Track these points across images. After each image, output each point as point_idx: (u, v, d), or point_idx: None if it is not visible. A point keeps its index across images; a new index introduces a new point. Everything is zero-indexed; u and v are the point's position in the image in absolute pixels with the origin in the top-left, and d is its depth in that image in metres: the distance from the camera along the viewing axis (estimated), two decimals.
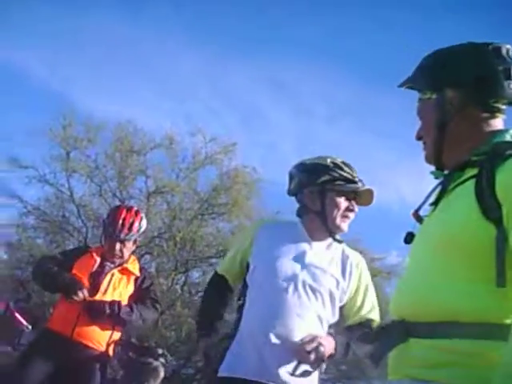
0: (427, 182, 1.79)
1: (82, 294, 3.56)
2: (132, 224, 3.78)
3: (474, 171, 1.55)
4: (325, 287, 2.50)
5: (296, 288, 2.46)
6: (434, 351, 1.45)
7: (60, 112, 14.50)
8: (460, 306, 1.44)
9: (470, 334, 1.41)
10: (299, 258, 2.53)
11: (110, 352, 3.70)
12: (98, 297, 3.64)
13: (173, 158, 14.55)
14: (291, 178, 2.67)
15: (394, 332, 1.58)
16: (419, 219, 1.77)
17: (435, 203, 1.68)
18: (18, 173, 14.67)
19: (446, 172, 1.71)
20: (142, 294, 3.82)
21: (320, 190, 2.54)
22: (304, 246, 2.57)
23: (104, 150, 14.58)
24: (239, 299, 2.62)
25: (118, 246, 3.76)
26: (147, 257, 12.92)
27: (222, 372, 2.45)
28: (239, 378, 2.40)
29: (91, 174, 14.49)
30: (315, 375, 2.43)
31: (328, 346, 2.35)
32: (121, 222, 3.76)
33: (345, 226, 2.57)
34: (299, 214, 2.66)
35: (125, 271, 3.83)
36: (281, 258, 2.53)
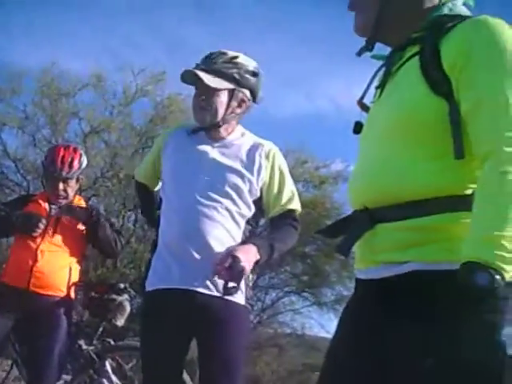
0: (361, 87, 1.76)
1: (43, 225, 3.50)
2: (72, 161, 3.68)
3: (416, 48, 1.52)
4: (230, 184, 2.47)
5: (203, 191, 2.45)
6: (403, 232, 1.45)
7: None
8: (423, 184, 1.43)
9: (436, 209, 1.40)
10: (202, 161, 2.52)
11: (72, 295, 3.64)
12: (46, 240, 3.56)
13: (103, 96, 14.12)
14: None
15: (358, 221, 1.57)
16: (365, 107, 1.75)
17: (380, 87, 1.65)
18: None
19: (386, 53, 1.67)
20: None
21: None
22: (205, 147, 2.55)
23: (31, 99, 14.09)
24: (158, 210, 2.65)
25: (61, 185, 3.64)
26: (94, 199, 12.72)
27: (148, 287, 2.50)
28: (163, 289, 2.43)
29: (22, 124, 13.99)
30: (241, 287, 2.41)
31: (246, 256, 2.30)
32: (60, 160, 3.65)
33: (200, 116, 2.52)
34: None
35: None
36: (183, 165, 2.54)
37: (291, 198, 2.60)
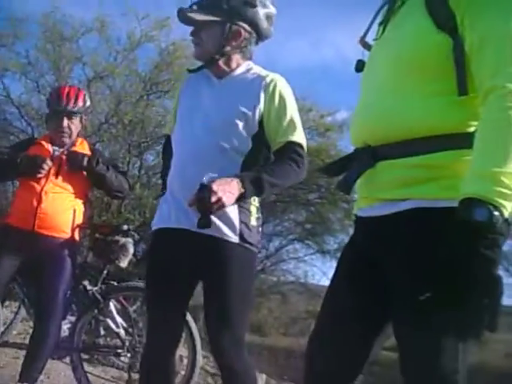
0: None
1: (47, 166, 3.52)
2: (77, 97, 3.70)
3: None
4: (224, 120, 2.41)
5: (199, 131, 2.43)
6: (405, 170, 1.45)
7: None
8: (426, 121, 1.43)
9: (439, 147, 1.41)
10: (200, 100, 2.51)
11: (76, 237, 3.66)
12: (50, 181, 3.57)
13: (107, 41, 13.88)
14: None
15: (359, 159, 1.57)
16: (366, 46, 1.73)
17: (382, 24, 1.63)
18: None
19: None
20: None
21: None
22: (207, 85, 2.54)
23: (34, 44, 13.92)
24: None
25: (65, 121, 3.66)
26: (98, 145, 12.70)
27: (152, 227, 2.55)
28: (163, 228, 2.47)
29: (25, 70, 13.83)
30: (231, 222, 2.37)
31: (222, 187, 2.19)
32: (65, 95, 3.68)
33: (195, 52, 2.54)
34: None
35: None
36: (185, 107, 2.56)
37: (291, 126, 2.45)
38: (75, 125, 3.72)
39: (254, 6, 2.45)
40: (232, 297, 2.37)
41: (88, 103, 3.81)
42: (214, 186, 2.19)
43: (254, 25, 2.47)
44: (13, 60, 13.79)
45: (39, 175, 3.50)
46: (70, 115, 3.67)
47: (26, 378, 3.41)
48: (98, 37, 13.97)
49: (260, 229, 2.54)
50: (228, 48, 2.48)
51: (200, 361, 3.55)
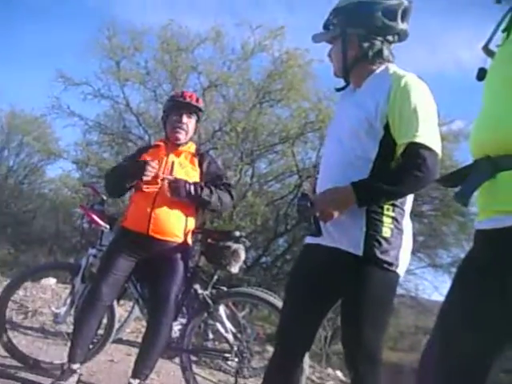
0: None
1: (152, 167, 3.65)
2: (198, 99, 3.94)
3: None
4: (351, 129, 2.38)
5: (334, 146, 2.47)
6: None
7: (102, 25, 14.38)
8: None
9: None
10: (339, 114, 2.60)
11: (189, 241, 3.77)
12: (162, 188, 3.68)
13: (222, 51, 14.36)
14: None
15: (479, 170, 1.50)
16: (490, 53, 1.66)
17: (507, 30, 1.56)
18: (72, 91, 14.90)
19: None
20: (214, 180, 3.87)
21: None
22: (346, 99, 2.58)
23: (152, 55, 14.54)
24: None
25: (185, 117, 3.83)
26: (212, 152, 13.01)
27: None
28: (307, 243, 2.51)
29: (143, 80, 14.49)
30: (350, 231, 2.31)
31: (323, 197, 2.30)
32: (188, 94, 3.93)
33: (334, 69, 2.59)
34: None
35: (184, 153, 3.88)
36: (331, 125, 2.69)
37: (413, 125, 2.23)
38: (192, 124, 3.88)
39: (361, 9, 2.41)
40: (363, 319, 2.33)
41: (203, 109, 4.00)
42: (319, 195, 2.27)
43: (368, 26, 2.42)
44: (133, 71, 14.46)
45: (145, 178, 3.63)
46: (190, 112, 3.85)
47: (137, 374, 3.52)
48: (213, 47, 14.37)
49: (401, 241, 2.37)
50: (350, 58, 2.48)
51: (306, 370, 3.52)
